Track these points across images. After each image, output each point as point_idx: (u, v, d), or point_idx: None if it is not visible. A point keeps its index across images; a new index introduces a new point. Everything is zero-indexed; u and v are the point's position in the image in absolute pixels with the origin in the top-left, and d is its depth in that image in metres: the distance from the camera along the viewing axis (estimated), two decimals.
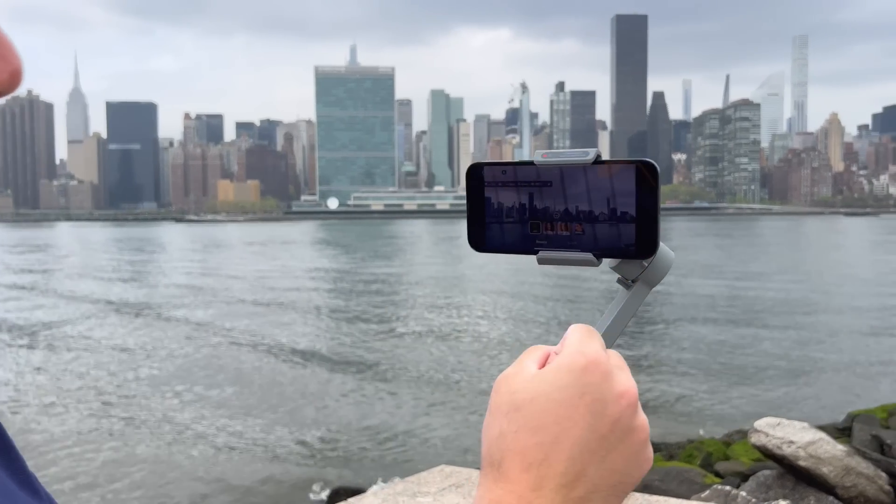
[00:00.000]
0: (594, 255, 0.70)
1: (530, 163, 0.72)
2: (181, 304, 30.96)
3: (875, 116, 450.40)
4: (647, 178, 0.67)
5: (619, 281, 0.73)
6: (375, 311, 28.62)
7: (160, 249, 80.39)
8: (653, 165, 0.67)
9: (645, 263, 0.71)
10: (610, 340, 0.69)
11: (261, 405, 14.85)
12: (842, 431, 10.31)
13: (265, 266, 51.31)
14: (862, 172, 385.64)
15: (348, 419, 13.91)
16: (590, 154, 0.69)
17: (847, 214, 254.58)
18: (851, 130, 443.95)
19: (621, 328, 0.72)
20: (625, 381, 0.60)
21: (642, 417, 0.61)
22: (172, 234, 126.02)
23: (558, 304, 30.74)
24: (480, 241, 0.76)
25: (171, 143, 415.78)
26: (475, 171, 0.76)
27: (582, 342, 0.61)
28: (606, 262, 0.72)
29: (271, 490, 10.50)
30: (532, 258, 0.73)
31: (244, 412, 14.33)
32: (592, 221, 0.70)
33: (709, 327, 23.92)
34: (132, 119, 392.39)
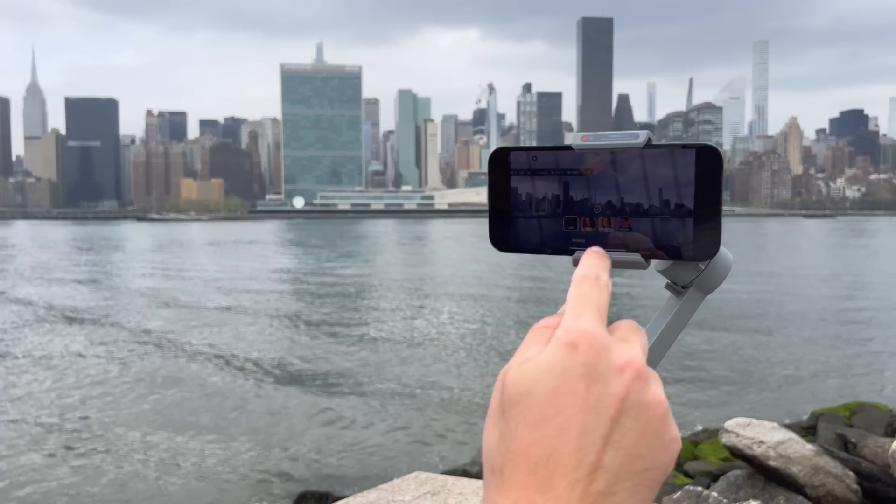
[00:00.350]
0: (642, 256, 0.61)
1: (567, 147, 0.62)
2: (136, 307, 30.03)
3: (832, 121, 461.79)
4: (708, 166, 0.57)
5: (667, 287, 0.64)
6: (342, 315, 28.29)
7: (119, 249, 78.68)
8: (716, 150, 0.58)
9: (701, 266, 0.62)
10: (657, 356, 0.61)
11: (218, 416, 14.30)
12: (807, 430, 10.41)
13: (228, 267, 50.52)
14: (820, 175, 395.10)
15: (314, 427, 13.58)
16: (640, 137, 0.59)
17: (806, 216, 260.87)
18: (810, 134, 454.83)
19: (671, 342, 0.62)
20: (624, 352, 0.51)
21: (655, 391, 0.51)
22: (133, 234, 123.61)
23: (530, 306, 30.76)
24: (504, 239, 0.66)
25: (133, 141, 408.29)
26: (499, 158, 0.66)
27: (573, 318, 0.52)
28: (654, 265, 0.62)
29: (229, 501, 10.18)
30: (567, 259, 0.62)
31: (199, 423, 13.84)
32: (641, 216, 0.60)
33: None
34: (92, 115, 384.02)
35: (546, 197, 0.63)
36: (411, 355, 19.90)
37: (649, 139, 0.59)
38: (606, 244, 0.61)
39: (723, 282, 0.63)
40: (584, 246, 0.61)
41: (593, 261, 0.57)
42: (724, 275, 0.63)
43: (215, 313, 27.90)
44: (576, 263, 0.60)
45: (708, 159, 0.58)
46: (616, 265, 0.61)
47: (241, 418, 14.06)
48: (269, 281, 41.22)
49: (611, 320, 0.56)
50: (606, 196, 0.61)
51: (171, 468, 11.29)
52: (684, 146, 0.58)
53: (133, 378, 17.28)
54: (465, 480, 3.71)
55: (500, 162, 0.65)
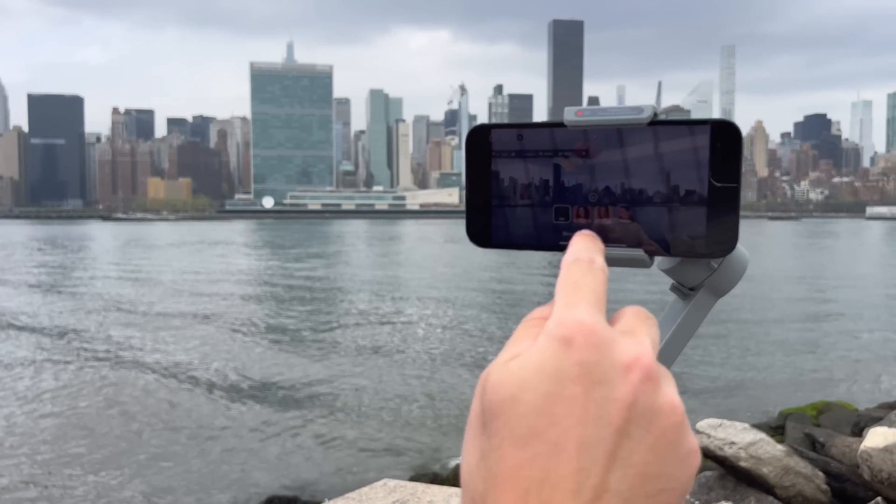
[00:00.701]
0: (645, 252, 0.51)
1: (560, 124, 0.52)
2: (90, 310, 28.94)
3: (797, 125, 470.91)
4: (726, 145, 0.48)
5: (673, 288, 0.56)
6: (308, 320, 27.91)
7: (82, 249, 77.03)
8: (735, 127, 0.48)
9: (714, 264, 0.54)
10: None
11: (178, 425, 13.80)
12: (775, 430, 10.47)
13: (193, 268, 49.70)
14: (784, 178, 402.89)
15: (279, 435, 13.21)
16: (644, 111, 0.49)
17: (771, 218, 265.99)
18: (775, 138, 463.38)
19: (677, 353, 0.54)
20: (630, 348, 0.40)
21: (668, 394, 0.40)
22: (98, 233, 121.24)
23: (507, 308, 30.71)
24: (485, 233, 0.56)
25: (99, 139, 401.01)
26: (479, 137, 0.55)
27: (566, 307, 0.42)
28: (658, 263, 0.54)
29: None
30: (557, 255, 0.50)
31: (159, 431, 13.47)
32: (644, 204, 0.50)
33: None
34: (56, 113, 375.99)
35: (533, 183, 0.53)
36: (378, 361, 19.63)
37: (655, 114, 0.50)
38: (604, 238, 0.50)
39: (737, 283, 0.55)
40: None
41: (584, 242, 0.48)
42: (739, 275, 0.55)
43: (176, 319, 26.98)
44: None
45: (726, 137, 0.48)
46: (614, 263, 0.51)
47: (202, 427, 13.62)
48: (235, 283, 40.56)
49: None
50: (604, 181, 0.51)
51: (133, 478, 10.98)
52: (698, 122, 0.48)
53: (83, 389, 16.41)
54: (435, 488, 3.65)
55: (480, 142, 0.55)
